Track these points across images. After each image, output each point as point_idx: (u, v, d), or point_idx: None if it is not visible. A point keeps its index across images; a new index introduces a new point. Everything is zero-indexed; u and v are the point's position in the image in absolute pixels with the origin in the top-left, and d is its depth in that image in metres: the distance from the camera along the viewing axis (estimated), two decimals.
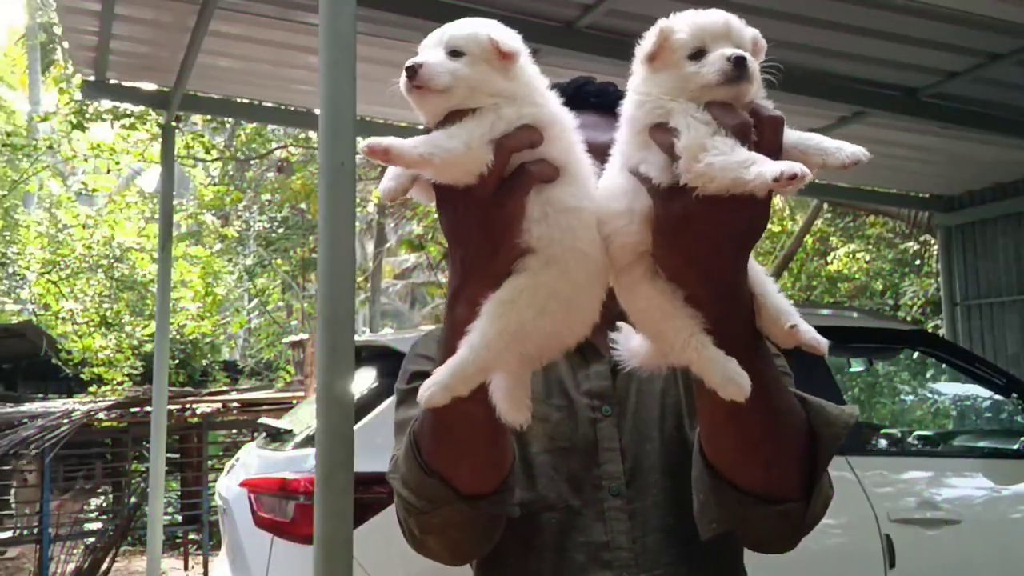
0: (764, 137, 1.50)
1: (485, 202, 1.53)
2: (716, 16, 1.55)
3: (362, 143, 1.45)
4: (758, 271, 1.65)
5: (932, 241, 17.36)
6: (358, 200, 20.17)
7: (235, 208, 23.70)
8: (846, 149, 1.57)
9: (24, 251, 21.72)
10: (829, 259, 23.14)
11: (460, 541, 2.03)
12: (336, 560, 3.82)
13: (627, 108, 1.59)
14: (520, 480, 2.14)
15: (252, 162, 23.99)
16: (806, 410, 1.87)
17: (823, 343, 1.63)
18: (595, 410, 2.21)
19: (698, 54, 1.51)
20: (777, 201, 22.32)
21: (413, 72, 1.54)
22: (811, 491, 1.86)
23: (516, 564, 2.18)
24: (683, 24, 1.53)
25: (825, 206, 20.31)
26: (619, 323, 1.73)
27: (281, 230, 24.20)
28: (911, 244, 20.89)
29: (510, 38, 1.62)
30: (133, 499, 12.94)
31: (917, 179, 13.01)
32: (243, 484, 5.69)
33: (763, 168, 1.40)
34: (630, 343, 1.74)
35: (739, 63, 1.50)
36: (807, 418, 1.86)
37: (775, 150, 1.50)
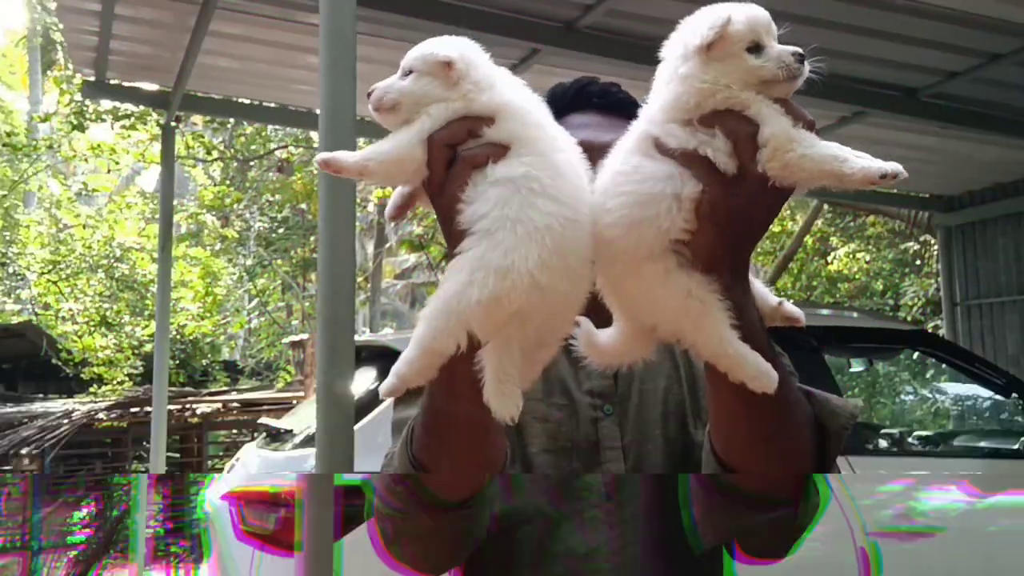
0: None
1: (434, 194, 1.60)
2: (763, 12, 1.59)
3: (316, 158, 1.56)
4: None
5: (932, 241, 17.37)
6: (358, 200, 20.17)
7: (235, 208, 23.70)
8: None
9: (24, 251, 21.72)
10: (829, 259, 23.15)
11: (431, 551, 2.01)
12: (320, 570, 3.82)
13: (674, 93, 1.59)
14: (515, 481, 2.15)
15: (252, 163, 23.99)
16: (811, 403, 1.87)
17: (801, 315, 1.72)
18: (596, 409, 2.19)
19: (755, 48, 1.54)
20: None
21: (369, 96, 1.67)
22: (807, 490, 1.86)
23: (506, 565, 2.16)
24: (739, 17, 1.55)
25: (825, 206, 20.32)
26: (578, 319, 1.69)
27: (281, 230, 24.20)
28: (911, 244, 20.89)
29: (450, 46, 1.65)
30: (119, 510, 12.92)
31: (917, 179, 13.00)
32: (226, 495, 5.69)
33: (868, 164, 1.48)
34: (595, 340, 1.74)
35: (801, 60, 1.54)
36: (812, 411, 1.86)
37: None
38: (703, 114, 1.53)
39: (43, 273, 21.09)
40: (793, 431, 1.79)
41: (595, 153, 1.84)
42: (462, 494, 1.88)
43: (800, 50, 1.55)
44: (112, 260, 21.27)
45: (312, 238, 23.13)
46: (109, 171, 21.69)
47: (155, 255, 14.80)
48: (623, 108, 2.25)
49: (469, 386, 1.55)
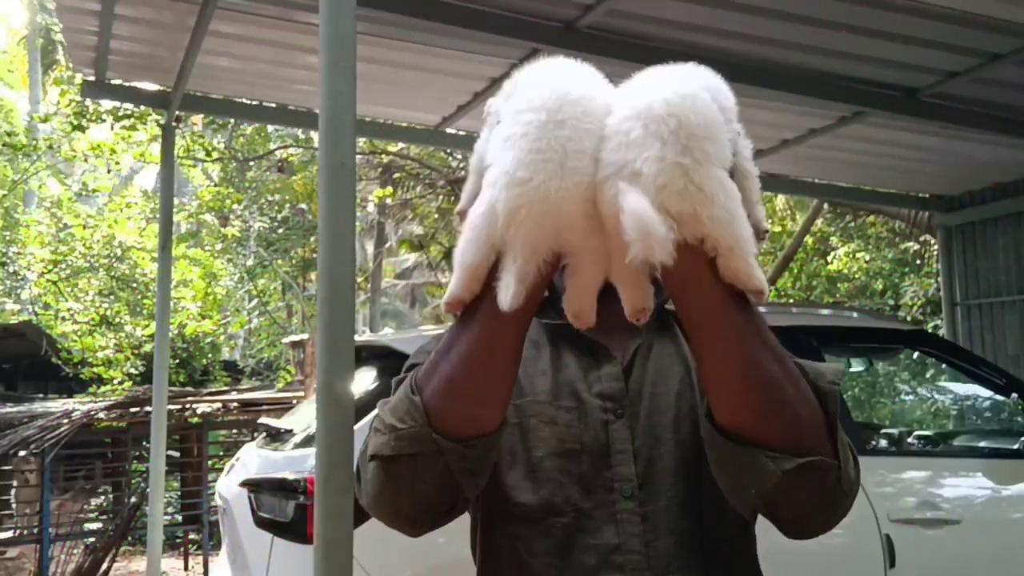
0: None
1: None
2: None
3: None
4: None
5: (932, 241, 17.37)
6: (358, 200, 20.18)
7: (235, 209, 23.69)
8: None
9: (24, 251, 21.71)
10: (829, 259, 23.15)
11: (419, 496, 1.97)
12: (336, 560, 3.82)
13: None
14: (524, 485, 2.16)
15: (251, 163, 23.98)
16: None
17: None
18: (607, 412, 2.19)
19: None
20: (778, 201, 22.36)
21: None
22: (836, 449, 1.86)
23: (521, 569, 2.16)
24: None
25: (825, 206, 20.32)
26: None
27: (281, 230, 24.20)
28: (911, 244, 20.90)
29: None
30: (133, 499, 12.94)
31: (917, 179, 13.01)
32: (243, 484, 5.69)
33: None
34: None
35: None
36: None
37: None
38: None
39: (43, 273, 21.08)
40: (795, 378, 1.83)
41: None
42: (469, 431, 1.89)
43: None
44: (112, 260, 21.26)
45: (312, 238, 23.13)
46: (109, 171, 21.69)
47: (155, 255, 14.81)
48: None
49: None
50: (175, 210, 15.30)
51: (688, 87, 1.69)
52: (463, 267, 1.72)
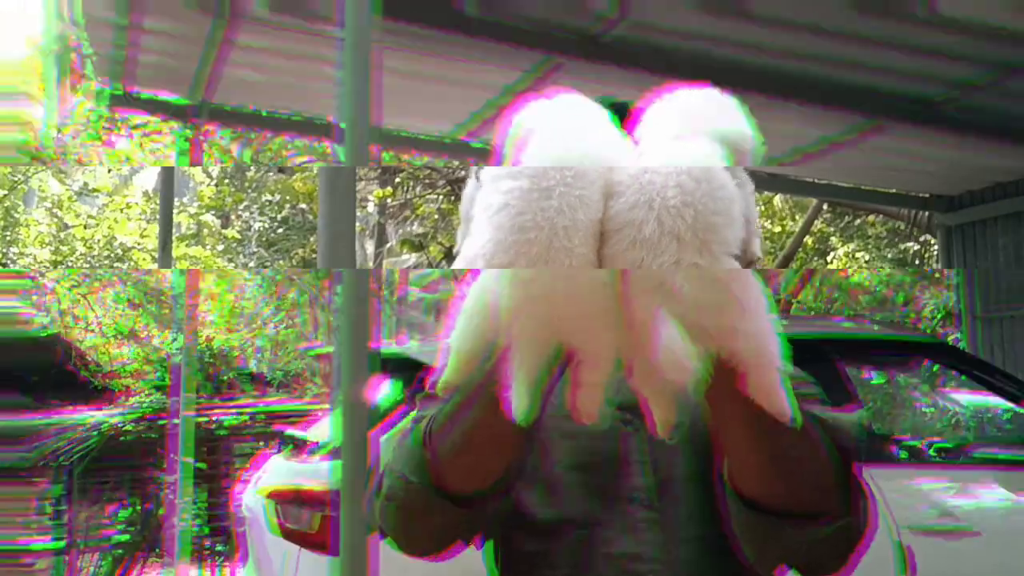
0: None
1: None
2: None
3: None
4: None
5: (932, 241, 17.36)
6: (358, 200, 20.19)
7: (235, 208, 23.72)
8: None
9: (24, 251, 21.77)
10: (829, 259, 23.12)
11: (431, 535, 2.05)
12: (360, 570, 3.85)
13: None
14: (542, 501, 2.18)
15: (267, 165, 23.99)
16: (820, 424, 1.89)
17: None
18: (624, 423, 2.19)
19: None
20: (778, 201, 22.35)
21: None
22: (849, 502, 1.88)
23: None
24: None
25: (825, 206, 20.30)
26: None
27: (281, 230, 24.21)
28: (911, 244, 20.87)
29: None
30: (159, 510, 12.96)
31: (917, 179, 12.99)
32: (267, 494, 5.73)
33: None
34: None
35: None
36: (822, 432, 1.88)
37: None
38: None
39: (71, 287, 21.12)
40: (814, 453, 1.81)
41: None
42: (465, 490, 1.91)
43: None
44: (113, 260, 21.32)
45: (312, 238, 23.15)
46: (110, 171, 21.75)
47: (155, 255, 14.85)
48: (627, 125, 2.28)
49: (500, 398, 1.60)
50: (176, 210, 15.34)
51: (703, 163, 1.49)
52: (457, 353, 1.61)
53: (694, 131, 1.57)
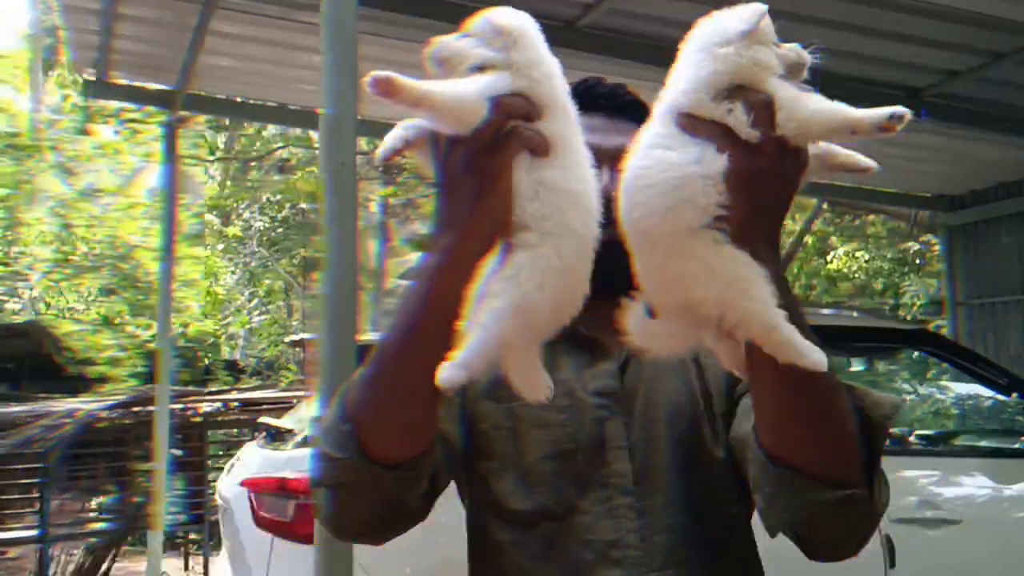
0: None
1: (477, 153, 1.57)
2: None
3: (367, 77, 1.54)
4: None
5: (933, 241, 17.36)
6: (361, 200, 20.17)
7: (236, 208, 23.71)
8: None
9: (27, 250, 21.71)
10: (829, 259, 23.16)
11: (369, 515, 1.96)
12: (337, 560, 3.83)
13: (709, 70, 1.60)
14: (518, 491, 2.15)
15: (253, 163, 24.00)
16: (852, 394, 1.86)
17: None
18: (602, 409, 2.16)
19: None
20: None
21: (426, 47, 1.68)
22: (872, 479, 1.85)
23: (519, 569, 2.16)
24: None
25: (825, 206, 20.33)
26: (629, 303, 1.69)
27: (281, 230, 24.21)
28: (912, 244, 20.90)
29: (517, 18, 1.68)
30: (135, 499, 12.93)
31: (919, 178, 13.00)
32: (243, 484, 5.70)
33: (875, 110, 1.51)
34: (650, 328, 1.71)
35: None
36: (854, 401, 1.85)
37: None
38: (722, 90, 1.56)
39: (47, 272, 21.09)
40: (843, 412, 1.79)
41: (603, 158, 1.85)
42: (397, 457, 1.86)
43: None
44: (117, 259, 21.27)
45: (315, 238, 23.16)
46: (114, 171, 21.72)
47: (159, 254, 14.83)
48: (630, 110, 2.26)
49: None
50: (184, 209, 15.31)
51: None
52: (497, 347, 1.57)
53: None
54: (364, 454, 1.82)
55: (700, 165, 1.54)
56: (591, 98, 2.26)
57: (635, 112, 2.20)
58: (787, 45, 1.59)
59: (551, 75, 1.66)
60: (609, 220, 1.66)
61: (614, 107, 2.29)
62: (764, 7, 1.57)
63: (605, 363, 2.22)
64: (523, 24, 1.67)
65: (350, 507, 1.93)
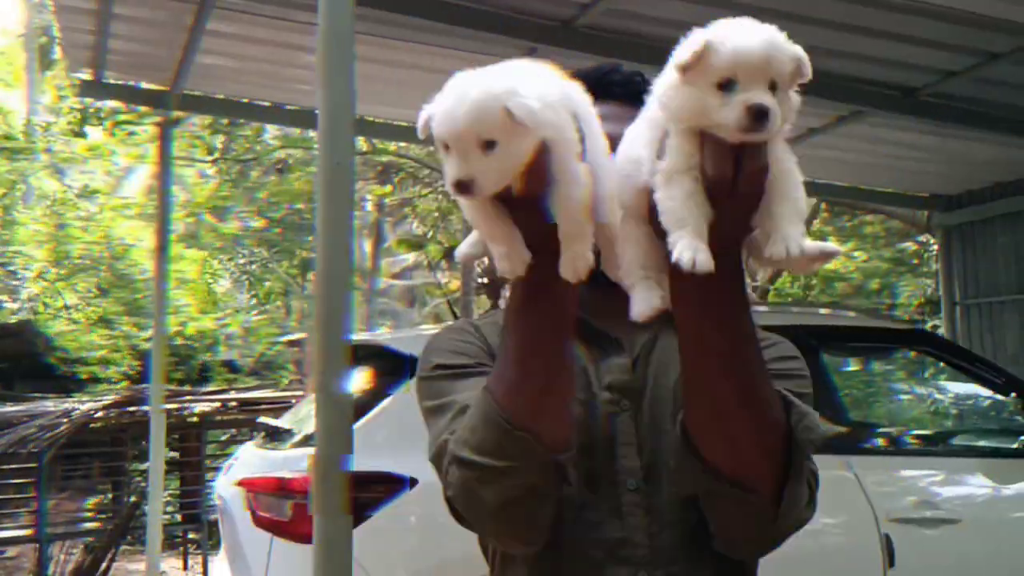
0: (740, 186, 1.61)
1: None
2: (757, 44, 1.58)
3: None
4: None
5: (931, 240, 17.36)
6: (356, 199, 20.17)
7: (234, 208, 23.72)
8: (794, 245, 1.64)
9: (21, 250, 21.70)
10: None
11: (535, 514, 1.99)
12: (335, 559, 3.82)
13: (652, 109, 1.71)
14: None
15: (250, 162, 23.99)
16: (787, 411, 1.89)
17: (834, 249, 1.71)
18: (614, 404, 2.18)
19: (728, 84, 1.55)
20: None
21: None
22: (782, 494, 1.88)
23: (531, 566, 2.17)
24: (723, 45, 1.57)
25: (823, 206, 20.34)
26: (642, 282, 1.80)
27: (277, 230, 24.21)
28: (908, 244, 20.91)
29: (520, 106, 1.64)
30: (131, 499, 12.92)
31: (916, 178, 13.00)
32: (241, 483, 5.70)
33: (679, 247, 1.58)
34: (654, 300, 1.80)
35: (760, 116, 1.54)
36: (786, 419, 1.89)
37: (748, 201, 1.64)
38: (656, 139, 1.69)
39: (41, 273, 21.08)
40: (750, 417, 1.84)
41: (615, 146, 1.86)
42: (565, 438, 1.94)
43: (763, 104, 1.54)
44: (112, 258, 21.27)
45: (310, 238, 23.17)
46: (109, 173, 21.73)
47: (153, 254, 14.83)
48: (644, 97, 2.26)
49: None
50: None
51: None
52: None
53: None
54: (543, 445, 1.89)
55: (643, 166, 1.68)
56: (606, 85, 2.30)
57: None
58: (747, 98, 1.56)
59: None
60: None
61: (629, 95, 2.27)
62: (706, 40, 1.59)
63: (618, 358, 2.24)
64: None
65: (537, 516, 2.00)
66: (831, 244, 1.56)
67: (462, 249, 1.96)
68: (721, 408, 1.82)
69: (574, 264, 1.72)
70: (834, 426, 1.79)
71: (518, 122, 1.60)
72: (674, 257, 1.57)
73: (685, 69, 1.57)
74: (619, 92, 2.31)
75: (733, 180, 1.59)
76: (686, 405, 1.90)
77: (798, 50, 1.61)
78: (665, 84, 1.65)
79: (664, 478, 2.14)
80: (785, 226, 1.63)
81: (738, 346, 1.79)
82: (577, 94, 1.83)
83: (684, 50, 1.58)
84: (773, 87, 1.57)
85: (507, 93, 1.63)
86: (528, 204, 1.74)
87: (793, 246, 1.61)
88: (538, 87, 1.68)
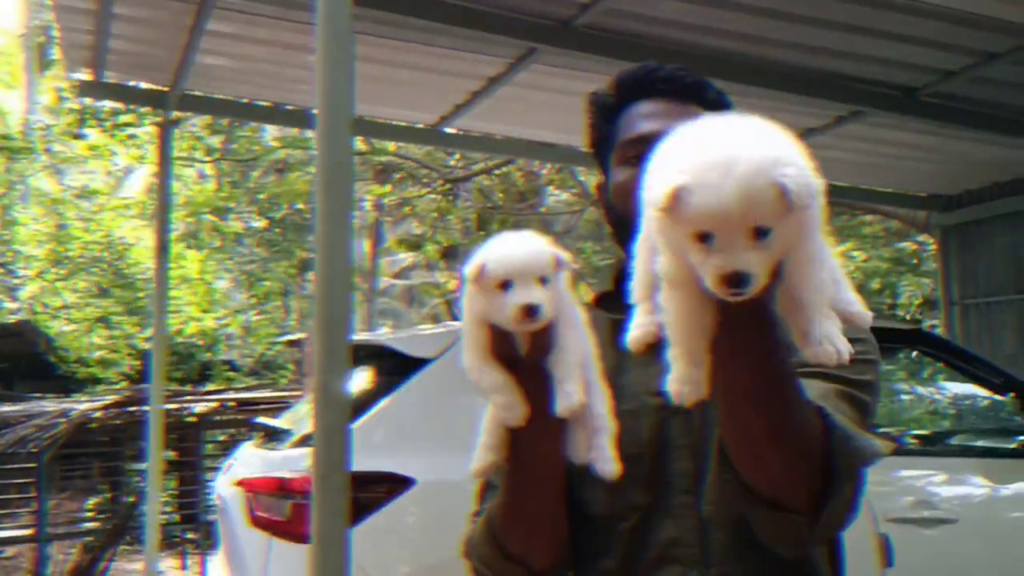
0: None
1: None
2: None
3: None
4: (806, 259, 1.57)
5: (930, 240, 17.35)
6: (355, 199, 20.16)
7: (234, 208, 23.71)
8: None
9: (21, 249, 21.70)
10: None
11: None
12: (333, 559, 3.82)
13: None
14: (594, 497, 2.22)
15: (250, 162, 23.97)
16: (830, 434, 1.87)
17: (832, 354, 1.62)
18: (665, 409, 2.16)
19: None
20: None
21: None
22: (821, 507, 1.87)
23: (584, 567, 2.23)
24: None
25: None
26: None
27: (277, 230, 24.21)
28: (907, 244, 20.90)
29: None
30: (130, 498, 12.92)
31: (914, 178, 12.99)
32: (239, 483, 5.69)
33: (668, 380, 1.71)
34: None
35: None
36: (827, 442, 1.86)
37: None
38: None
39: (40, 273, 21.08)
40: (781, 446, 1.81)
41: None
42: (556, 559, 2.17)
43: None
44: (112, 258, 21.27)
45: (310, 237, 23.17)
46: (109, 173, 21.72)
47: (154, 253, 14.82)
48: (690, 93, 2.28)
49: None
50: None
51: None
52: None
53: None
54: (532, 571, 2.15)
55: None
56: (651, 83, 2.32)
57: (696, 94, 2.26)
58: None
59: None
60: None
61: (673, 92, 2.29)
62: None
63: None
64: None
65: None
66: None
67: (477, 465, 2.04)
68: (753, 441, 1.81)
69: (568, 402, 1.87)
70: (888, 441, 1.75)
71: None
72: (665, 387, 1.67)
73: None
74: (664, 89, 2.31)
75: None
76: (721, 431, 1.89)
77: (785, 181, 1.40)
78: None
79: (715, 481, 2.15)
80: (820, 322, 1.58)
81: (771, 388, 1.75)
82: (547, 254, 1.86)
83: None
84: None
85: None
86: (532, 365, 1.89)
87: (840, 348, 1.60)
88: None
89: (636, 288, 1.82)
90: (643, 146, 2.12)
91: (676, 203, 1.40)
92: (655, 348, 2.14)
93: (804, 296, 1.57)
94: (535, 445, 1.98)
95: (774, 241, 1.42)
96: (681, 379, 1.57)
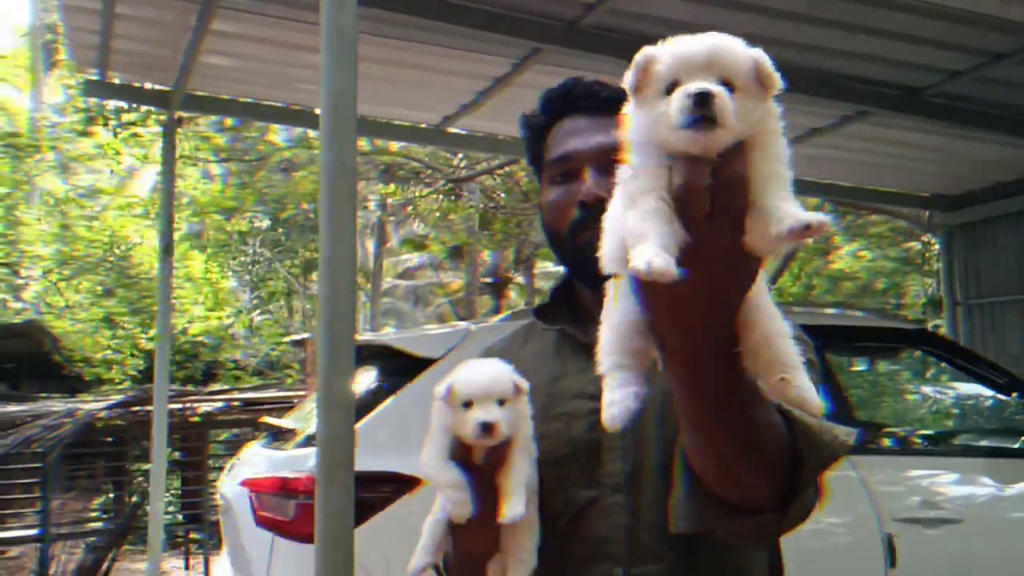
0: (718, 197, 1.44)
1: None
2: (699, 44, 1.48)
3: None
4: (766, 311, 1.62)
5: (934, 241, 17.34)
6: (359, 199, 20.16)
7: (240, 208, 23.73)
8: (792, 218, 1.43)
9: (27, 251, 21.72)
10: (831, 259, 23.14)
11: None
12: (338, 559, 3.82)
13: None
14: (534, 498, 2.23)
15: (255, 162, 24.00)
16: (793, 432, 1.87)
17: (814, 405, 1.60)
18: (596, 412, 2.05)
19: (672, 88, 1.46)
20: None
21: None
22: (788, 501, 1.88)
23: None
24: (664, 52, 1.49)
25: (827, 206, 20.33)
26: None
27: (281, 230, 24.22)
28: (914, 243, 20.88)
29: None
30: (135, 498, 12.93)
31: (918, 178, 12.97)
32: (244, 483, 5.69)
33: (633, 255, 1.42)
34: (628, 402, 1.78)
35: (700, 100, 1.40)
36: (792, 440, 1.87)
37: (729, 211, 1.45)
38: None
39: (46, 272, 21.10)
40: (750, 459, 1.81)
41: (583, 159, 1.87)
42: None
43: (706, 87, 1.41)
44: (116, 259, 21.29)
45: (314, 237, 23.19)
46: (113, 172, 21.73)
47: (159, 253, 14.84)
48: (610, 106, 2.25)
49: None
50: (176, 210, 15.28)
51: None
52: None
53: None
54: None
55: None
56: (570, 100, 2.36)
57: (616, 107, 2.23)
58: (684, 89, 1.44)
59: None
60: (598, 221, 1.66)
61: (592, 107, 2.31)
62: (650, 50, 1.51)
63: None
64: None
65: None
66: (820, 215, 1.42)
67: (412, 565, 2.29)
68: (726, 462, 1.81)
69: (514, 512, 2.05)
70: (847, 431, 1.75)
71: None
72: (630, 266, 1.41)
73: (636, 90, 1.50)
74: (584, 105, 2.34)
75: (710, 198, 1.44)
76: (687, 447, 1.88)
77: (754, 52, 1.49)
78: (627, 119, 1.56)
79: (649, 482, 2.20)
80: (783, 204, 1.45)
81: (733, 413, 1.72)
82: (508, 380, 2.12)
83: (630, 72, 1.50)
84: (727, 86, 1.44)
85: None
86: (485, 473, 2.09)
87: (803, 219, 1.41)
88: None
89: (607, 352, 1.81)
90: (567, 164, 2.26)
91: (648, 72, 1.49)
92: (591, 353, 2.15)
93: (764, 184, 1.48)
94: (471, 543, 2.18)
95: (739, 105, 1.44)
96: (649, 252, 1.41)
